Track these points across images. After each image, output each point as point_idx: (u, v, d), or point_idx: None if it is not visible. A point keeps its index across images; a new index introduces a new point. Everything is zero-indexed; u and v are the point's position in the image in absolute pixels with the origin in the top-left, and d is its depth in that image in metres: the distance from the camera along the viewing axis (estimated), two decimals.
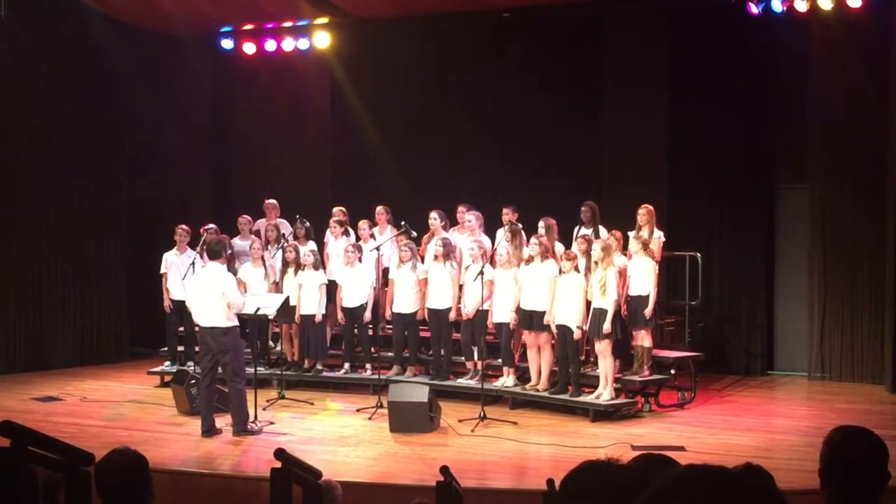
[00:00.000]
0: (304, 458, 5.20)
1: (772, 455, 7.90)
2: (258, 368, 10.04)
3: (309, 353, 10.98)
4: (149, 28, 12.61)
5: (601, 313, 9.25)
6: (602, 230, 10.29)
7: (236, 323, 8.89)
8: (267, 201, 11.90)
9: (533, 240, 9.76)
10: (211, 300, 8.70)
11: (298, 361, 11.09)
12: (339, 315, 10.88)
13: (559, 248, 10.01)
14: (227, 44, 13.34)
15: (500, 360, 10.22)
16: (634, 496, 1.71)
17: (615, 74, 12.47)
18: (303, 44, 13.00)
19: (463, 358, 10.48)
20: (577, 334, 9.43)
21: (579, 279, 9.50)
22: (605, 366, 9.35)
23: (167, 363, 11.36)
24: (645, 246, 9.69)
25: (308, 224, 11.24)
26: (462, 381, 10.36)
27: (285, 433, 8.93)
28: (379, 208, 11.33)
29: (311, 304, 10.71)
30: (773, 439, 8.76)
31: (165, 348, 11.54)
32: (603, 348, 9.32)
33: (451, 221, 10.99)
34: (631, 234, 10.00)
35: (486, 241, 10.64)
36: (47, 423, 8.87)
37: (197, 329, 9.52)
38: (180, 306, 11.05)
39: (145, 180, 13.62)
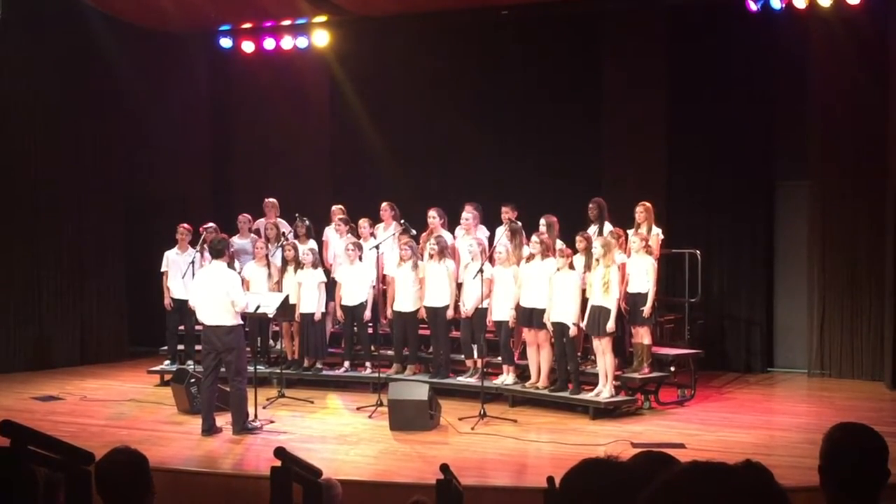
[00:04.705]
0: (304, 457, 5.20)
1: (771, 452, 7.90)
2: (258, 367, 10.05)
3: (309, 351, 10.98)
4: (147, 27, 12.60)
5: (602, 311, 9.25)
6: (608, 227, 10.26)
7: (241, 321, 8.91)
8: (267, 200, 11.91)
9: (534, 238, 9.76)
10: (215, 299, 8.69)
11: (298, 360, 11.10)
12: (339, 313, 10.88)
13: (560, 245, 10.00)
14: (225, 42, 13.35)
15: (499, 358, 10.23)
16: (634, 494, 1.71)
17: (614, 71, 12.45)
18: (302, 42, 13.00)
19: (463, 356, 10.48)
20: (572, 331, 9.43)
21: (574, 276, 9.49)
22: (605, 363, 9.35)
23: (167, 362, 11.35)
24: (645, 244, 9.69)
25: (308, 222, 11.25)
26: (462, 380, 10.36)
27: (285, 432, 8.93)
28: (384, 204, 11.33)
29: (310, 302, 10.71)
30: (772, 436, 8.77)
31: (165, 347, 11.54)
32: (603, 346, 9.33)
33: (454, 220, 10.97)
34: (630, 231, 10.00)
35: (485, 235, 10.66)
36: (47, 422, 8.88)
37: (199, 328, 9.52)
38: (181, 305, 11.07)
39: (144, 179, 13.61)
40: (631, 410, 9.58)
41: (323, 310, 10.80)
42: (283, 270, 10.95)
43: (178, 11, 11.86)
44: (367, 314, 10.75)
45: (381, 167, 13.04)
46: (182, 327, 11.34)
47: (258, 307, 9.39)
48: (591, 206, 10.44)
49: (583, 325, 9.45)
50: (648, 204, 10.21)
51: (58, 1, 12.18)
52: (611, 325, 9.19)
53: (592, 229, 10.26)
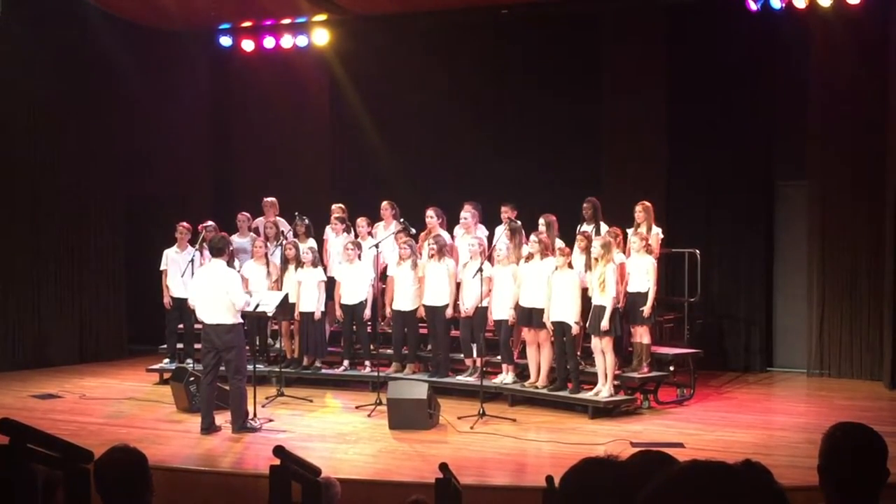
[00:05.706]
0: (303, 456, 5.19)
1: (771, 452, 7.90)
2: (258, 365, 10.05)
3: (308, 350, 10.98)
4: (147, 25, 12.61)
5: (601, 310, 9.25)
6: (603, 227, 10.28)
7: (240, 320, 8.90)
8: (265, 199, 11.91)
9: (532, 237, 9.76)
10: (215, 298, 8.69)
11: (298, 358, 11.10)
12: (338, 312, 10.88)
13: (559, 244, 10.00)
14: (225, 41, 13.36)
15: (499, 358, 10.23)
16: (633, 493, 1.71)
17: (614, 70, 12.45)
18: (301, 41, 13.01)
19: (462, 355, 10.48)
20: (574, 329, 9.43)
21: (573, 275, 9.50)
22: (605, 362, 9.35)
23: (166, 360, 11.36)
24: (645, 243, 9.69)
25: (307, 221, 11.25)
26: (461, 379, 10.36)
27: (284, 430, 8.93)
28: (384, 203, 11.31)
29: (310, 301, 10.71)
30: (771, 436, 8.76)
31: (165, 346, 11.54)
32: (603, 345, 9.32)
33: (454, 219, 10.96)
34: (630, 231, 10.00)
35: (484, 234, 10.66)
36: (46, 420, 8.88)
37: (199, 326, 9.52)
38: (180, 303, 11.06)
39: (144, 177, 13.61)
40: (630, 410, 9.58)
41: (322, 308, 10.80)
42: (283, 269, 10.95)
43: (179, 9, 11.86)
44: (367, 313, 10.75)
45: (381, 166, 13.04)
46: (181, 326, 11.34)
47: (257, 306, 9.39)
48: (585, 205, 10.45)
49: (583, 323, 9.45)
50: (648, 203, 10.21)
51: None
52: (604, 324, 9.19)
53: (588, 228, 10.27)
